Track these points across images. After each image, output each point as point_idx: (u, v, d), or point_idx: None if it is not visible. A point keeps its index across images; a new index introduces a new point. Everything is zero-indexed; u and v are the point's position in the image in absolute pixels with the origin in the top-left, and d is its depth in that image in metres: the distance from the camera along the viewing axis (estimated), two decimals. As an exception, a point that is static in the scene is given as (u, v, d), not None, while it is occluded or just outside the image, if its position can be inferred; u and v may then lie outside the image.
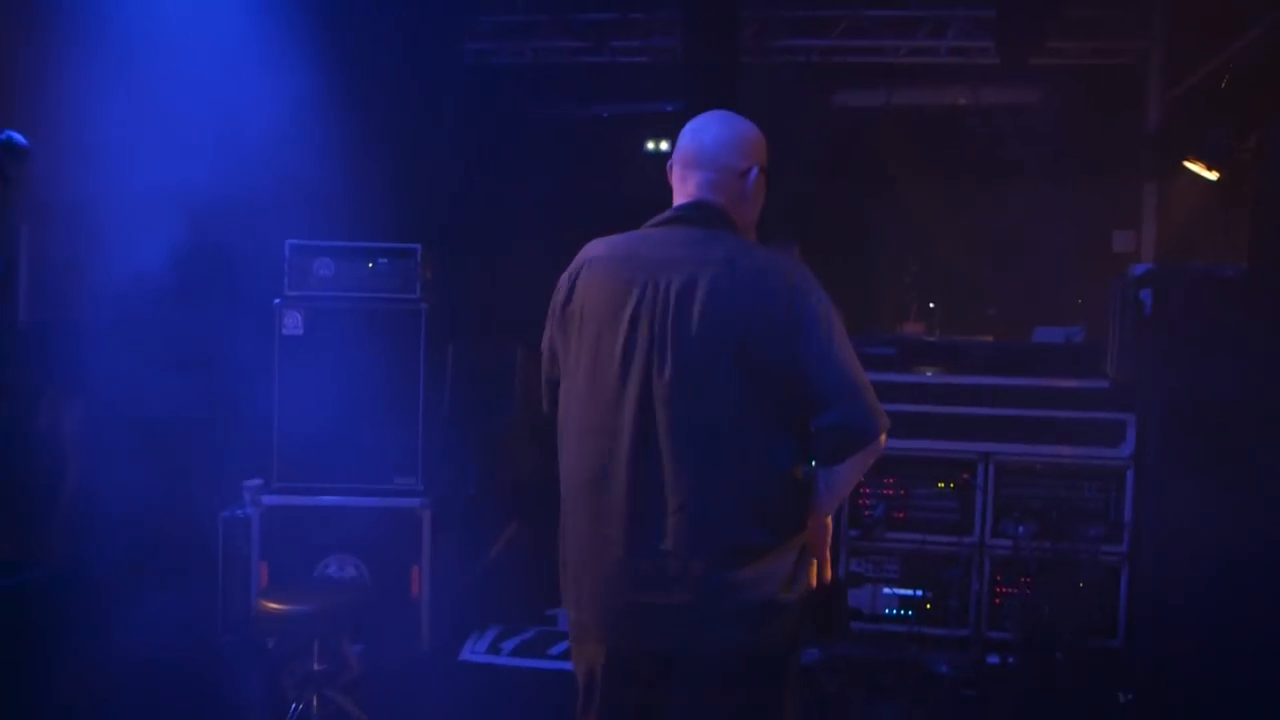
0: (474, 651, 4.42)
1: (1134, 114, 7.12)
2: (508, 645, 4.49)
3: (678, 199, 2.06)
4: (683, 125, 2.16)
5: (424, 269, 4.38)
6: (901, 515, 4.36)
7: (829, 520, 2.11)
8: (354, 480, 4.31)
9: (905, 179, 7.57)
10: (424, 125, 5.84)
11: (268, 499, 4.28)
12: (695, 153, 2.05)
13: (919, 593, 4.36)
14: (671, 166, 2.10)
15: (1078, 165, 7.04)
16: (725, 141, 2.05)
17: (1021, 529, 4.20)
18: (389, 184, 4.84)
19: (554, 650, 4.40)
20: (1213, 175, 5.78)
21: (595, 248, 2.07)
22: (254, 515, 4.28)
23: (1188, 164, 5.84)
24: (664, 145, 6.25)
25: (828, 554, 2.11)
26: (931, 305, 6.17)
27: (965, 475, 4.29)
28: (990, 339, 6.31)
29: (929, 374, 4.42)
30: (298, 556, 4.26)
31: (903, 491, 4.37)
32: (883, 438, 1.98)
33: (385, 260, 4.35)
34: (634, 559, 1.92)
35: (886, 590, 4.39)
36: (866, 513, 4.39)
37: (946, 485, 4.35)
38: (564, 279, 2.09)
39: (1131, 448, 4.15)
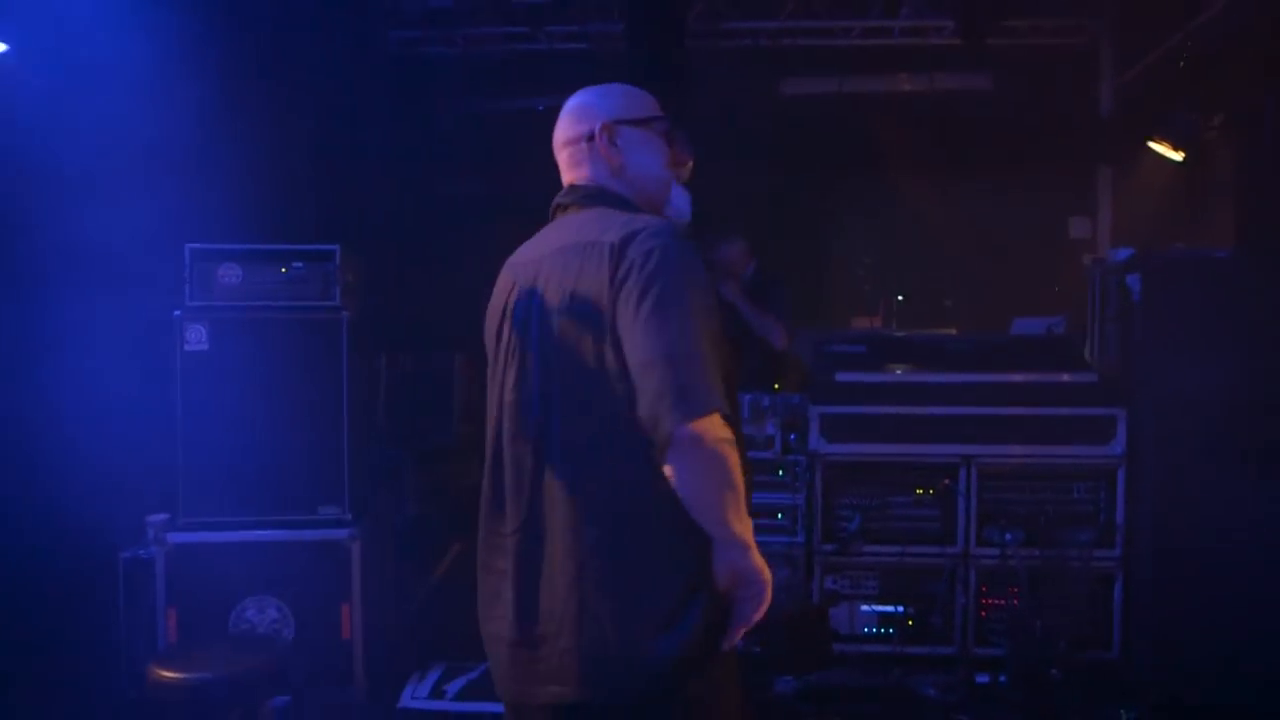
0: (415, 697, 3.99)
1: (1088, 99, 6.96)
2: (452, 687, 4.06)
3: (564, 184, 1.97)
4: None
5: (344, 273, 3.94)
6: (878, 526, 4.03)
7: (744, 555, 1.67)
8: (272, 512, 3.85)
9: (858, 169, 7.34)
10: (345, 118, 5.39)
11: (174, 536, 3.80)
12: (555, 136, 1.96)
13: (900, 609, 4.03)
14: None
15: (1032, 151, 6.86)
16: (566, 116, 1.95)
17: (1008, 536, 3.89)
18: (307, 182, 4.41)
19: (503, 690, 3.97)
20: (1179, 156, 5.57)
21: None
22: (158, 555, 3.80)
23: (1152, 145, 5.63)
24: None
25: (766, 594, 1.71)
26: (901, 298, 5.86)
27: (946, 481, 3.97)
28: (953, 331, 6.07)
29: (900, 372, 4.08)
30: (210, 600, 3.78)
31: (879, 501, 4.03)
32: (707, 426, 1.60)
33: (300, 265, 3.90)
34: (518, 604, 1.77)
35: (865, 608, 4.05)
36: (840, 525, 4.04)
37: (926, 492, 4.02)
38: None
39: (1123, 445, 3.86)
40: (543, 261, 1.80)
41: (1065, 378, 3.94)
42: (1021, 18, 5.93)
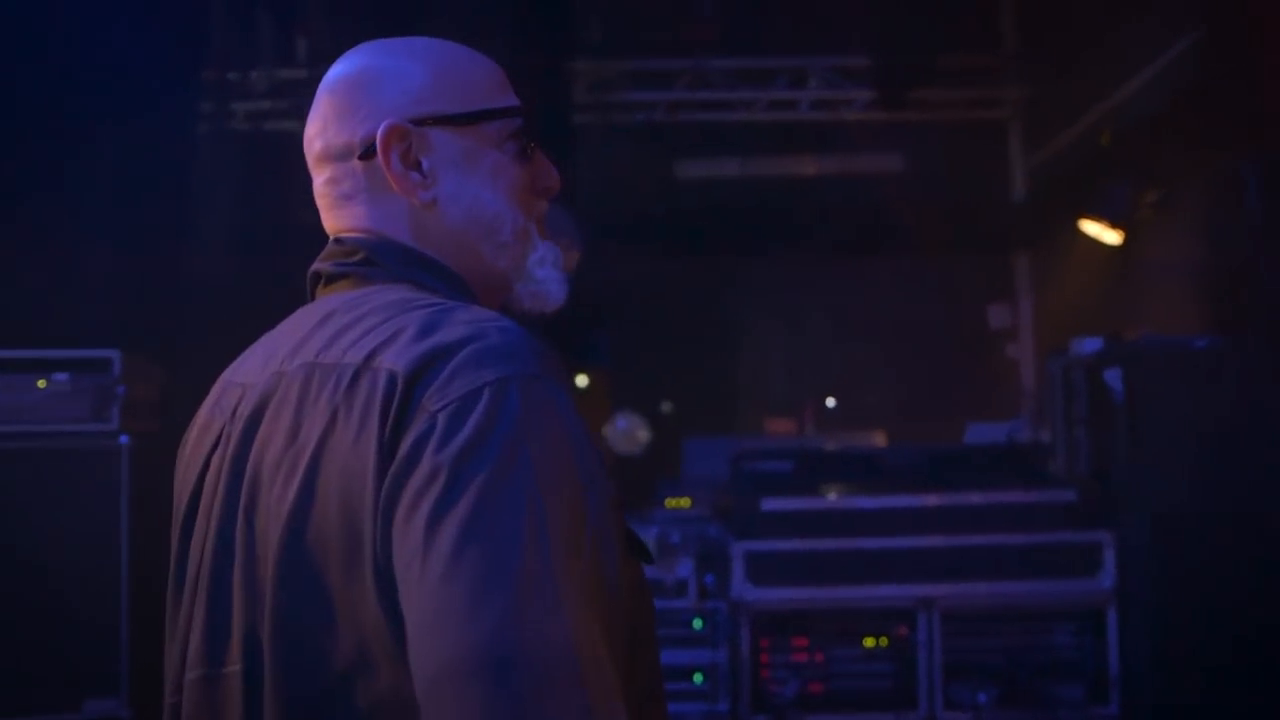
0: None
1: (1001, 179, 6.60)
2: None
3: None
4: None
5: (132, 386, 3.05)
6: (820, 689, 3.23)
7: None
8: (20, 710, 2.86)
9: (765, 255, 6.79)
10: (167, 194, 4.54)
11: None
12: (307, 138, 1.02)
13: (851, 794, 3.21)
14: None
15: (947, 236, 6.44)
16: (326, 98, 1.00)
17: (981, 696, 3.15)
18: (91, 273, 3.53)
19: None
20: (1115, 236, 5.10)
21: None
22: None
23: (1086, 224, 5.16)
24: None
25: None
26: (831, 401, 5.20)
27: (902, 629, 3.21)
28: (882, 437, 5.43)
29: (836, 495, 3.34)
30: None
31: (819, 656, 3.24)
32: None
33: (64, 376, 2.98)
34: None
35: (807, 795, 3.22)
36: (773, 689, 3.23)
37: (878, 644, 3.25)
38: None
39: (1112, 576, 3.18)
40: (265, 395, 0.91)
41: (1037, 496, 3.26)
42: (935, 87, 5.48)
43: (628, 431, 6.61)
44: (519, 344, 0.83)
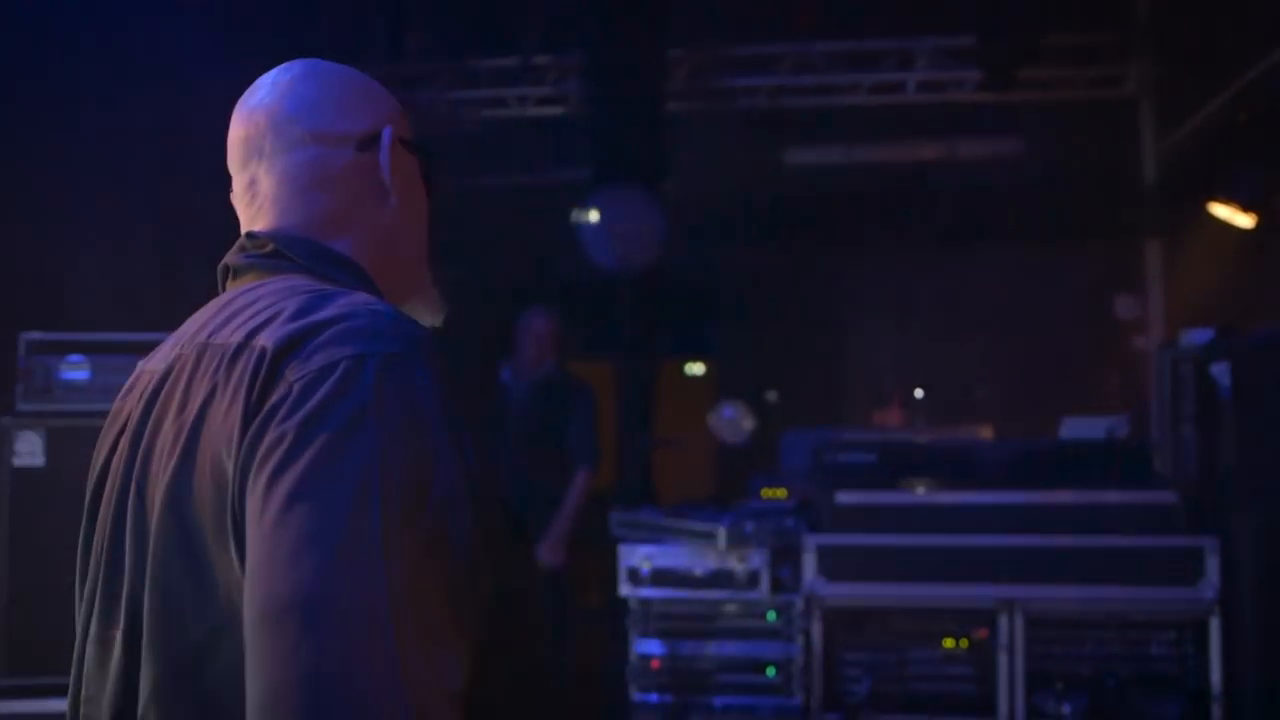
0: None
1: (1131, 162, 6.22)
2: None
3: (242, 230, 1.11)
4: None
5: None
6: (895, 690, 3.12)
7: None
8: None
9: (874, 247, 6.62)
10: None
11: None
12: (257, 128, 1.08)
13: (927, 799, 3.10)
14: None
15: (1071, 223, 6.12)
16: (305, 96, 1.08)
17: (1066, 707, 2.98)
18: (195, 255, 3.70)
19: None
20: (1248, 220, 4.76)
21: None
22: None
23: (1215, 209, 4.82)
24: (592, 216, 5.09)
25: None
26: (920, 392, 5.04)
27: (982, 632, 3.07)
28: (988, 431, 5.22)
29: (922, 491, 3.22)
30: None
31: (895, 657, 3.13)
32: None
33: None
34: None
35: (881, 797, 3.12)
36: (846, 687, 3.14)
37: (956, 645, 3.12)
38: None
39: (1215, 585, 2.96)
40: (163, 378, 0.98)
41: (1136, 497, 3.06)
42: (1052, 65, 5.20)
43: (734, 421, 6.54)
44: (387, 325, 0.88)
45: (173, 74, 3.67)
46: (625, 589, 3.30)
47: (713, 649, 3.29)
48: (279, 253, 1.02)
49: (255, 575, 0.79)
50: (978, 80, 5.21)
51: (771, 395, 7.05)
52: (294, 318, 0.89)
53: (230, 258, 1.06)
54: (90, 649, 0.96)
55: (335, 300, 0.92)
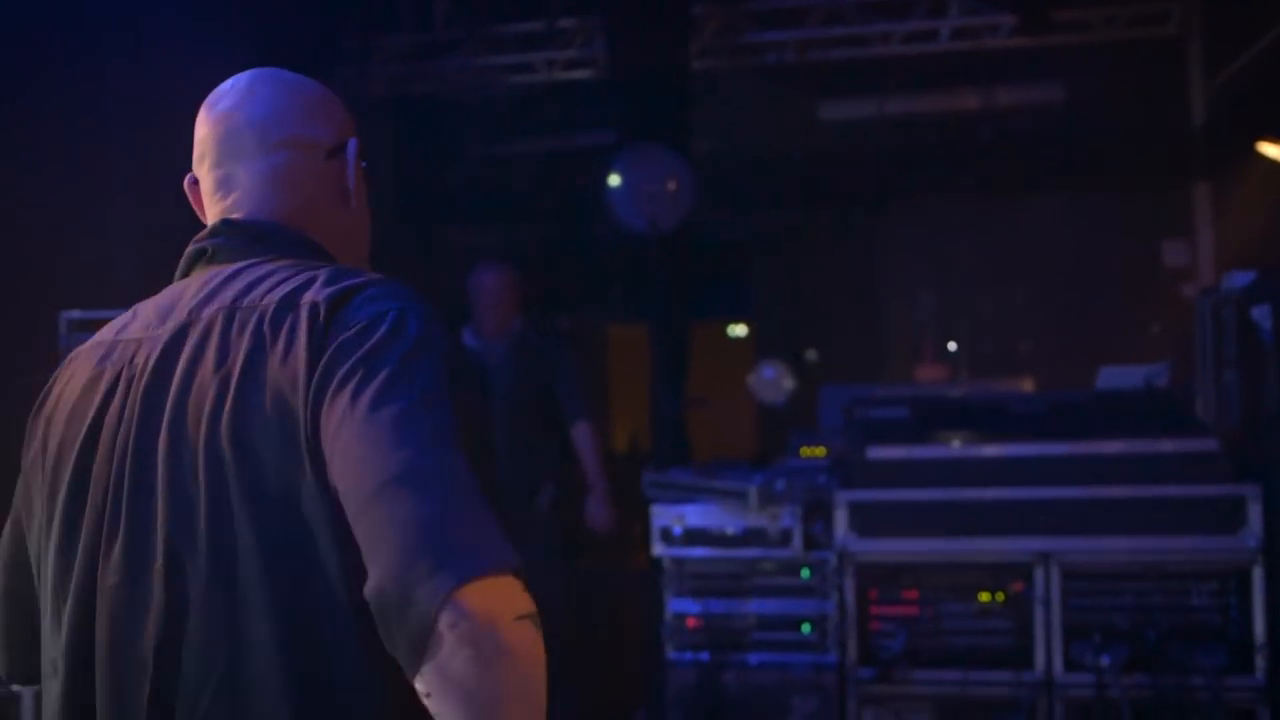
0: None
1: (1179, 103, 6.02)
2: None
3: (209, 221, 1.23)
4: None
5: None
6: (931, 645, 3.11)
7: None
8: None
9: (912, 201, 6.51)
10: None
11: None
12: (237, 130, 1.22)
13: (965, 752, 3.09)
14: (194, 177, 1.26)
15: (1116, 168, 5.96)
16: (283, 105, 1.22)
17: (1105, 658, 2.94)
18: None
19: None
20: (1299, 160, 4.60)
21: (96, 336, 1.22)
22: None
23: (1266, 148, 4.66)
24: (616, 181, 5.03)
25: None
26: (953, 345, 4.96)
27: (1019, 584, 3.04)
28: (1028, 384, 5.13)
29: (956, 444, 3.18)
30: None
31: (931, 611, 3.11)
32: (496, 599, 0.93)
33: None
34: None
35: (918, 750, 3.12)
36: (881, 642, 3.13)
37: (993, 599, 3.09)
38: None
39: (1258, 534, 2.90)
40: (174, 340, 1.09)
41: (1175, 445, 2.99)
42: (1090, 5, 5.05)
43: (774, 381, 6.51)
44: (408, 290, 1.08)
45: (208, 47, 3.70)
46: (659, 549, 3.32)
47: (748, 607, 3.30)
48: (264, 238, 1.15)
49: (363, 461, 0.95)
50: (1013, 25, 5.07)
51: (812, 354, 6.99)
52: (330, 282, 1.06)
53: (206, 241, 1.17)
54: (112, 594, 1.03)
55: (352, 273, 1.09)
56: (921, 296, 6.71)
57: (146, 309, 1.16)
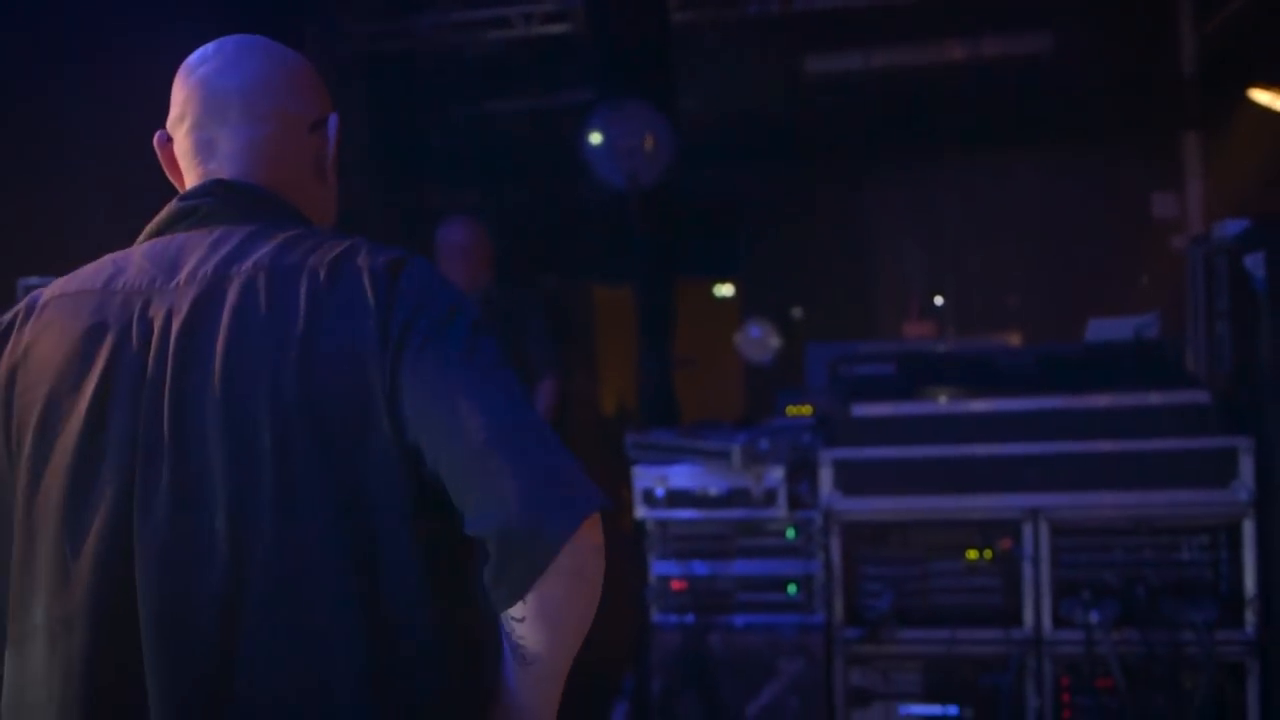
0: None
1: (1168, 52, 5.93)
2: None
3: (189, 181, 1.26)
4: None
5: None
6: (918, 604, 3.07)
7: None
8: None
9: (899, 155, 6.40)
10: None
11: None
12: (222, 97, 1.25)
13: (953, 710, 3.06)
14: (167, 135, 1.29)
15: (1104, 120, 5.87)
16: (270, 76, 1.26)
17: (1095, 614, 2.91)
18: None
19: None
20: (1291, 106, 4.52)
21: (55, 285, 1.22)
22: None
23: (1257, 95, 4.58)
24: (595, 138, 4.90)
25: None
26: (939, 300, 4.90)
27: (1007, 541, 3.00)
28: (1016, 339, 5.08)
29: (943, 400, 3.12)
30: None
31: (918, 570, 3.07)
32: (597, 534, 1.08)
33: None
34: None
35: (905, 709, 3.09)
36: (868, 603, 3.09)
37: (981, 557, 3.05)
38: None
39: (1250, 487, 2.85)
40: (208, 293, 1.12)
41: (1165, 398, 2.94)
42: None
43: (761, 340, 6.44)
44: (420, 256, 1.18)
45: (172, 4, 3.58)
46: (642, 511, 3.26)
47: (733, 568, 3.25)
48: (262, 202, 1.20)
49: (470, 417, 1.06)
50: (1000, -30, 4.95)
51: (798, 313, 6.92)
52: (376, 251, 1.14)
53: (198, 200, 1.19)
54: (164, 546, 1.05)
55: (379, 244, 1.17)
56: (909, 252, 6.64)
57: (135, 261, 1.17)
